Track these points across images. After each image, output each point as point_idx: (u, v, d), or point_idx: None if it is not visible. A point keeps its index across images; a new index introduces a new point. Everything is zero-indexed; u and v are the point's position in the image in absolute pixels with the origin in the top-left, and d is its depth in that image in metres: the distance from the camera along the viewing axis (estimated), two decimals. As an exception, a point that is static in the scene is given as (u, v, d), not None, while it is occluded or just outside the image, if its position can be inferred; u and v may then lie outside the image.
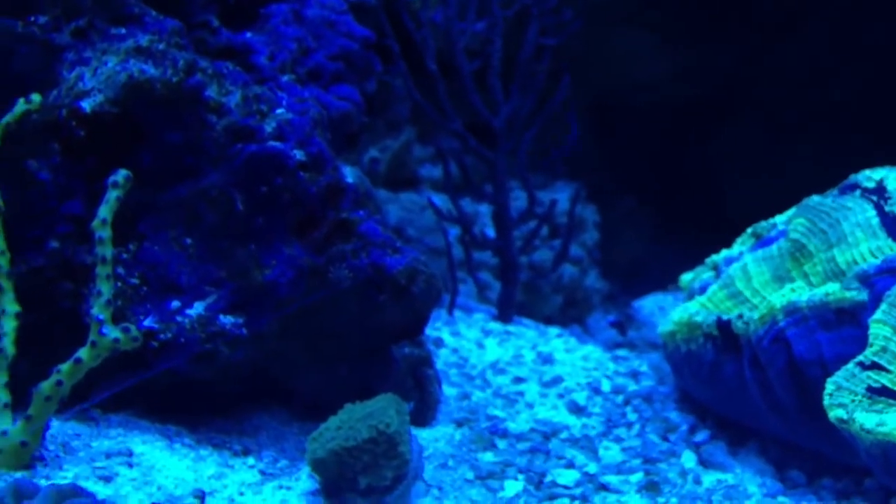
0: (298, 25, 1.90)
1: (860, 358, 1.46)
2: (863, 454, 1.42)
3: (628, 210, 3.78)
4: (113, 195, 1.36)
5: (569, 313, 2.88)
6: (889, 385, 1.43)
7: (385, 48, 2.17)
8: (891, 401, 1.42)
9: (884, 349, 1.45)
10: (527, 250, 2.34)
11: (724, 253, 1.88)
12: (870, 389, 1.42)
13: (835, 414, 1.41)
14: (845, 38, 3.47)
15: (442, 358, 1.92)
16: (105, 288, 1.33)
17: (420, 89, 2.24)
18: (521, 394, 1.83)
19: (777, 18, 3.69)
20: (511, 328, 2.15)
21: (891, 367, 1.44)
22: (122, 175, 1.37)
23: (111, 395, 1.47)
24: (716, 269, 1.88)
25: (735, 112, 3.76)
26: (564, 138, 2.24)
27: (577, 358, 2.00)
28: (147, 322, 1.42)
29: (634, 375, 1.94)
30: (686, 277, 1.96)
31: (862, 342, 1.49)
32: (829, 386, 1.45)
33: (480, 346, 2.02)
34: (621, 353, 2.10)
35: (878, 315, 1.48)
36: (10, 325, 1.35)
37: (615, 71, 3.75)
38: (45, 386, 1.30)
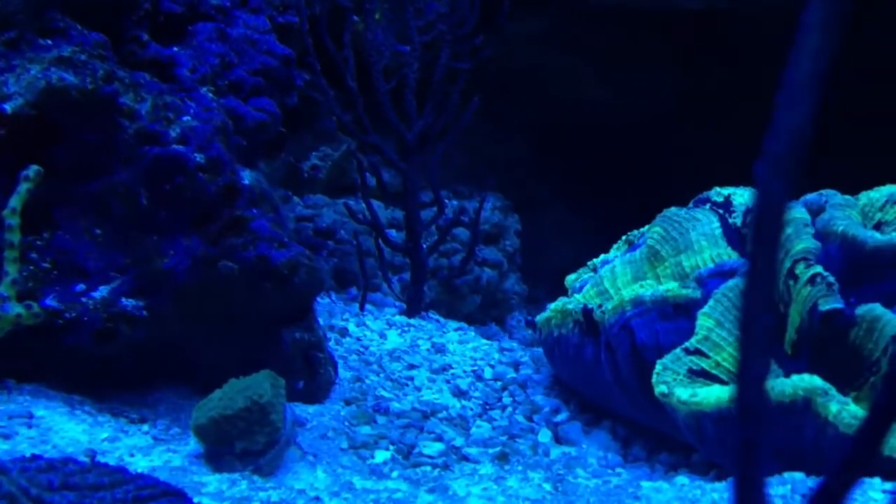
0: (222, 42, 2.00)
1: (686, 344, 1.57)
2: (681, 426, 1.52)
3: (560, 220, 3.89)
4: (24, 187, 1.46)
5: (489, 313, 2.98)
6: (707, 368, 1.53)
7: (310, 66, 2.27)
8: (707, 381, 1.52)
9: (706, 338, 1.56)
10: (435, 252, 2.44)
11: (602, 257, 1.99)
12: (690, 371, 1.53)
13: (659, 390, 1.52)
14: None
15: (345, 345, 2.01)
16: (11, 269, 1.42)
17: (344, 105, 2.34)
18: (412, 378, 1.93)
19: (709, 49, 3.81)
20: (413, 321, 2.24)
21: (710, 354, 1.54)
22: (32, 170, 1.47)
23: (27, 367, 1.56)
24: (594, 270, 1.98)
25: (662, 132, 3.88)
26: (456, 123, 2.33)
27: (467, 349, 2.09)
28: (50, 302, 1.52)
29: (515, 365, 2.03)
30: (570, 278, 2.06)
31: (692, 333, 1.60)
32: (658, 366, 1.55)
33: (382, 336, 2.11)
34: (506, 344, 2.20)
35: (704, 309, 1.59)
36: (-72, 300, 1.44)
37: (552, 92, 3.86)
38: (-46, 354, 1.39)
